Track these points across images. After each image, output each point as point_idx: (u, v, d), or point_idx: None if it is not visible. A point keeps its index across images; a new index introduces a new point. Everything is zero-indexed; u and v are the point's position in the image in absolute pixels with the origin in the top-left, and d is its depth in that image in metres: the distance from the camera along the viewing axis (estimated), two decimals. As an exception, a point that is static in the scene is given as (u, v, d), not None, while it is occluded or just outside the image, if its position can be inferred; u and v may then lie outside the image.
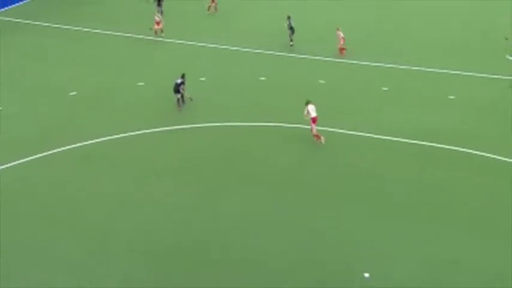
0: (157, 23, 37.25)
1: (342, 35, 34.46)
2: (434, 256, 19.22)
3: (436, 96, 29.57)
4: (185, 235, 20.29)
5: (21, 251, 19.51)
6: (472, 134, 26.17)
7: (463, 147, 25.09)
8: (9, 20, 40.78)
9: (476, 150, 24.87)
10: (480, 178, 23.27)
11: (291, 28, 35.40)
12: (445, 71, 32.45)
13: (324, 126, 26.18)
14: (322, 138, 25.36)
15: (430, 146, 25.34)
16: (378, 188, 22.63)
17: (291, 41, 35.59)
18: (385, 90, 30.24)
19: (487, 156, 24.57)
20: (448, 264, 18.90)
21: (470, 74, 32.14)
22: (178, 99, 28.41)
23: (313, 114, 25.19)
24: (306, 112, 25.25)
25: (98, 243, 19.89)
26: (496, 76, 31.80)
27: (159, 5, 39.79)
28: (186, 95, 28.62)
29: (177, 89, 28.28)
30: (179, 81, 28.42)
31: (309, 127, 25.59)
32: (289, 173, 23.65)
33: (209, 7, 41.66)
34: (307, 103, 25.32)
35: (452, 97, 29.47)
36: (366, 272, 18.51)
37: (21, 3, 44.18)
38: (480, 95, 29.89)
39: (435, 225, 20.65)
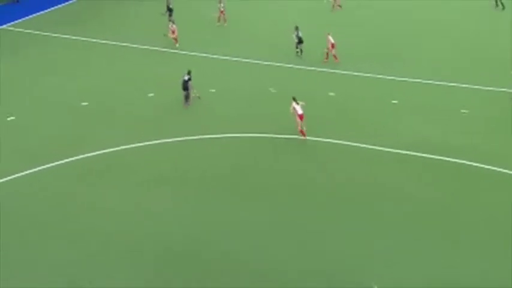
0: (173, 32, 37.55)
1: (332, 41, 34.49)
2: (444, 270, 19.11)
3: (449, 110, 29.35)
4: (186, 240, 20.50)
5: (22, 254, 19.87)
6: (487, 149, 25.86)
7: (482, 163, 24.84)
8: (21, 31, 41.18)
9: (491, 166, 24.76)
10: (493, 194, 23.01)
11: (299, 39, 35.62)
12: (454, 84, 32.34)
13: (330, 138, 26.48)
14: (305, 136, 26.37)
15: (442, 159, 25.21)
16: (387, 201, 22.54)
17: (297, 48, 35.85)
18: (394, 103, 30.25)
19: (499, 171, 24.45)
20: (460, 278, 18.79)
21: (482, 88, 31.91)
22: (186, 96, 29.03)
23: (300, 111, 26.01)
24: (292, 109, 26.20)
25: (99, 246, 20.26)
26: (507, 90, 31.56)
27: (170, 15, 40.28)
28: (193, 93, 28.90)
29: (185, 86, 28.71)
30: (186, 78, 28.91)
31: (313, 139, 26.33)
32: (295, 185, 23.62)
33: (218, 18, 41.87)
34: (294, 100, 26.24)
35: (465, 111, 29.27)
36: (375, 285, 18.41)
37: (34, 15, 44.43)
38: (492, 109, 29.50)
39: (447, 238, 20.57)
